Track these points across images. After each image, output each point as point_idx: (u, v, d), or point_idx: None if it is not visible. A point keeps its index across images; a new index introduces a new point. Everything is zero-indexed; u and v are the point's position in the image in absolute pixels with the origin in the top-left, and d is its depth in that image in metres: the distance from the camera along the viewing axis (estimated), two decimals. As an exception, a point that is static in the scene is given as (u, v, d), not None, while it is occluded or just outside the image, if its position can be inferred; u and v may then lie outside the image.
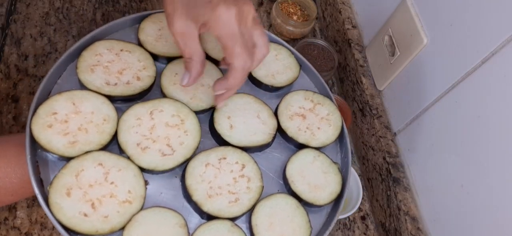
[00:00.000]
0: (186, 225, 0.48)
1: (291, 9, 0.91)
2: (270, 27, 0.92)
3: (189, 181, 0.49)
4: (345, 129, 0.60)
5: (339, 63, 0.87)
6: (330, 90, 0.87)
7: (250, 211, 0.50)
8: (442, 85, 0.61)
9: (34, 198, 0.63)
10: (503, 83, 0.51)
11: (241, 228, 0.49)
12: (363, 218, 0.74)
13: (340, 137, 0.59)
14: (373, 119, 0.74)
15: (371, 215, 0.75)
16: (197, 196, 0.49)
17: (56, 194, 0.45)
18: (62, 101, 0.49)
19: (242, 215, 0.50)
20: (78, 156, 0.47)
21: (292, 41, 0.91)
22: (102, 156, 0.48)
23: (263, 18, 0.93)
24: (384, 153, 0.71)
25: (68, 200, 0.45)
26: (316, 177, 0.54)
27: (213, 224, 0.48)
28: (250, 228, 0.50)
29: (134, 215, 0.46)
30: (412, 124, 0.69)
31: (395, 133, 0.73)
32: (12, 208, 0.61)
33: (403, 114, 0.71)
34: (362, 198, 0.72)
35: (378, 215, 0.72)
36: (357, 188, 0.70)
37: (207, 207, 0.48)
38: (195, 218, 0.50)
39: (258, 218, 0.50)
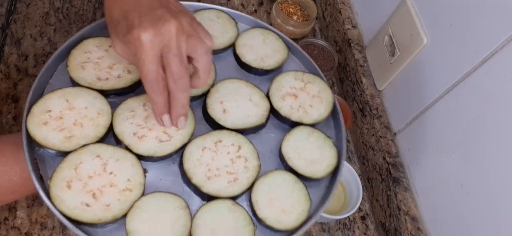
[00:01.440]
0: (188, 207, 0.48)
1: (291, 9, 0.91)
2: (270, 27, 0.92)
3: (187, 165, 0.50)
4: (337, 104, 0.60)
5: (339, 63, 0.87)
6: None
7: (250, 189, 0.51)
8: (442, 85, 0.61)
9: (34, 197, 0.63)
10: (503, 83, 0.51)
11: (241, 206, 0.50)
12: (363, 218, 0.74)
13: (333, 113, 0.60)
14: (373, 119, 0.74)
15: (371, 215, 0.75)
16: (196, 179, 0.50)
17: (57, 188, 0.46)
18: (55, 99, 0.50)
19: (242, 194, 0.51)
20: (75, 150, 0.48)
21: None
22: (99, 148, 0.49)
23: (263, 18, 0.93)
24: (384, 153, 0.71)
25: (69, 192, 0.46)
26: (311, 152, 0.55)
27: (214, 204, 0.49)
28: (251, 205, 0.50)
29: (135, 201, 0.47)
30: (412, 124, 0.69)
31: (395, 133, 0.73)
32: (12, 208, 0.61)
33: (403, 114, 0.71)
34: (362, 198, 0.72)
35: (378, 215, 0.72)
36: (357, 188, 0.70)
37: (207, 189, 0.49)
38: (196, 201, 0.51)
39: (258, 195, 0.51)
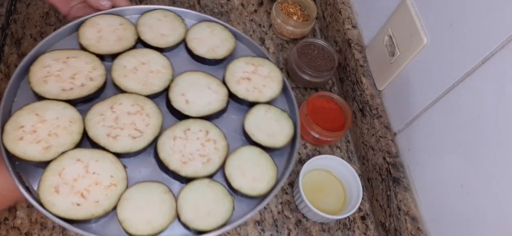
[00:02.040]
0: (170, 190, 0.53)
1: (291, 9, 0.91)
2: (270, 27, 0.92)
3: (163, 154, 0.55)
4: (286, 81, 0.67)
5: (339, 63, 0.87)
6: (330, 90, 0.88)
7: (222, 166, 0.57)
8: (442, 85, 0.61)
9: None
10: (503, 83, 0.51)
11: (218, 182, 0.56)
12: (363, 218, 0.74)
13: (284, 89, 0.67)
14: (373, 119, 0.74)
15: (371, 215, 0.75)
16: (173, 166, 0.54)
17: (46, 194, 0.49)
18: (25, 115, 0.52)
19: (216, 171, 0.56)
20: (55, 158, 0.51)
21: (292, 41, 0.91)
22: (78, 153, 0.52)
23: (263, 18, 0.93)
24: (384, 153, 0.71)
25: (58, 196, 0.49)
26: (271, 126, 0.62)
27: (193, 184, 0.54)
28: (226, 180, 0.56)
29: (122, 194, 0.51)
30: (412, 124, 0.69)
31: (395, 133, 0.73)
32: (12, 208, 0.61)
33: (403, 114, 0.71)
34: (362, 198, 0.72)
35: (378, 215, 0.72)
36: (357, 188, 0.70)
37: (185, 172, 0.54)
38: (176, 185, 0.55)
39: (231, 170, 0.56)
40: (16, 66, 0.74)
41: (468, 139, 0.57)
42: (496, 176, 0.53)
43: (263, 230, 0.68)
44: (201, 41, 0.66)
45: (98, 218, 0.50)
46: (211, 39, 0.67)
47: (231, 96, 0.63)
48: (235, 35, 0.69)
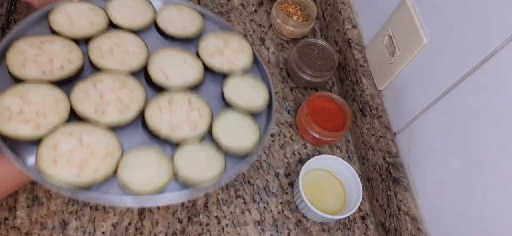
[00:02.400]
0: (166, 154, 0.55)
1: (291, 9, 0.91)
2: (270, 27, 0.92)
3: (152, 124, 0.57)
4: (256, 52, 0.70)
5: (339, 63, 0.87)
6: (330, 90, 0.88)
7: (209, 130, 0.60)
8: (442, 85, 0.61)
9: (34, 197, 0.63)
10: (503, 83, 0.51)
11: (207, 144, 0.59)
12: (363, 218, 0.74)
13: (254, 60, 0.70)
14: (373, 119, 0.74)
15: (371, 215, 0.75)
16: (163, 133, 0.56)
17: (45, 166, 0.49)
18: (9, 98, 0.53)
19: (204, 135, 0.59)
20: (47, 134, 0.51)
21: (292, 41, 0.91)
22: (69, 128, 0.53)
23: (263, 18, 0.93)
24: (384, 153, 0.71)
25: (57, 168, 0.50)
26: (248, 92, 0.65)
27: (185, 147, 0.57)
28: (214, 142, 0.59)
29: (119, 161, 0.53)
30: (412, 124, 0.69)
31: (395, 133, 0.73)
32: (12, 208, 0.61)
33: (403, 114, 0.71)
34: (362, 198, 0.72)
35: (378, 215, 0.72)
36: (357, 188, 0.70)
37: (176, 138, 0.57)
38: (169, 150, 0.57)
39: (217, 133, 0.59)
40: (16, 66, 0.74)
41: (468, 139, 0.57)
42: (496, 176, 0.53)
43: (263, 230, 0.68)
44: (170, 22, 0.69)
45: (100, 184, 0.51)
46: (180, 19, 0.70)
47: (206, 69, 0.66)
48: (202, 14, 0.72)
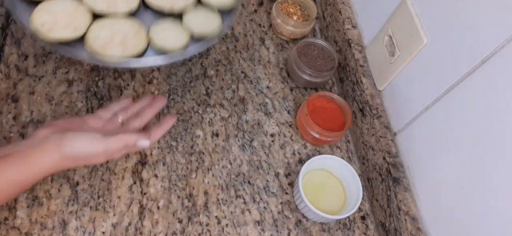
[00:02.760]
0: (142, 25, 0.61)
1: (291, 9, 0.91)
2: (270, 27, 0.92)
3: (156, 3, 0.64)
4: None
5: (339, 63, 0.87)
6: (330, 90, 0.88)
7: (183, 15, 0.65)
8: (442, 85, 0.61)
9: (34, 197, 0.63)
10: (503, 83, 0.51)
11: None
12: (363, 218, 0.74)
13: None
14: (373, 119, 0.74)
15: (371, 215, 0.75)
16: (167, 8, 0.64)
17: (100, 50, 0.57)
18: (40, 13, 0.59)
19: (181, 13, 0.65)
20: (86, 32, 0.59)
21: (292, 41, 0.91)
22: (100, 23, 0.60)
23: (263, 18, 0.93)
24: (384, 153, 0.71)
25: (107, 50, 0.57)
26: None
27: (163, 21, 0.63)
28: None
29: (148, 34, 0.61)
30: (412, 124, 0.69)
31: (395, 133, 0.73)
32: (12, 208, 0.61)
33: (403, 114, 0.71)
34: (362, 198, 0.72)
35: (378, 215, 0.72)
36: (357, 188, 0.70)
37: (177, 9, 0.64)
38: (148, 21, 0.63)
39: (190, 19, 0.65)
40: (16, 66, 0.74)
41: (468, 139, 0.57)
42: (496, 177, 0.53)
43: (263, 230, 0.68)
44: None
45: (139, 55, 0.59)
46: None
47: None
48: None
